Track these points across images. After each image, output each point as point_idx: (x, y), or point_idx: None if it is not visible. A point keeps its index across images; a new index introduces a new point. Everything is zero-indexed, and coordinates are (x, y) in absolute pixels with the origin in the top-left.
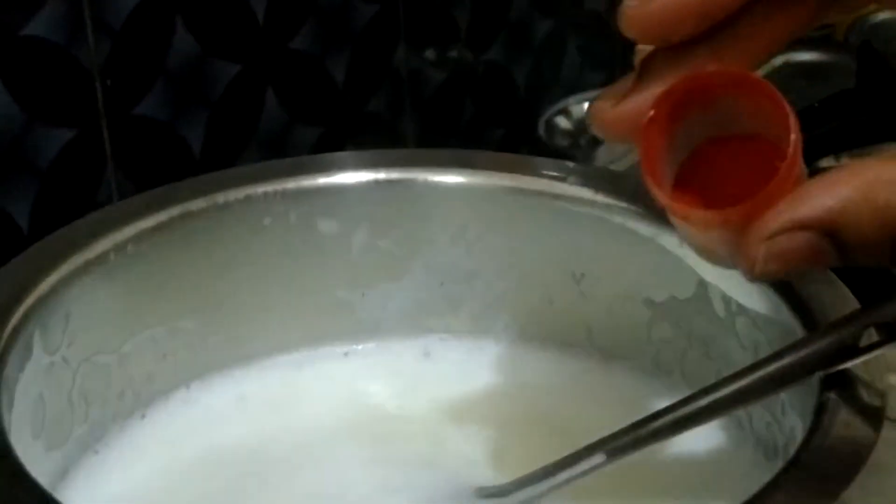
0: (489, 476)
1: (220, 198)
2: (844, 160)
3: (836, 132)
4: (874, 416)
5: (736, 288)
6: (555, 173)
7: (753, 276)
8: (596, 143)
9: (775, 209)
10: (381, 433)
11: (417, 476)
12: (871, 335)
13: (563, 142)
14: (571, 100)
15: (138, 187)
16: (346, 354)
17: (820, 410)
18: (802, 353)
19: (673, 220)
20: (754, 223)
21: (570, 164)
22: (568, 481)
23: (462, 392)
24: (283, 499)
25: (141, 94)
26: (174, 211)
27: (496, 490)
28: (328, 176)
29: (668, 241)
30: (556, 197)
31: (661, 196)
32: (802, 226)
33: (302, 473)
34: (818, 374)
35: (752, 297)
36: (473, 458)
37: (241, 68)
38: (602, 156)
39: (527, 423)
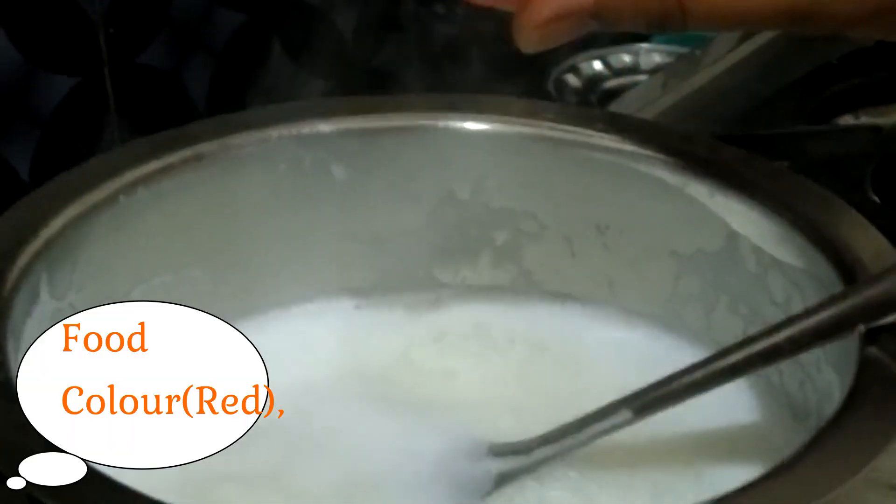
0: (504, 434)
1: (234, 140)
2: (863, 118)
3: (854, 89)
4: None
5: (769, 240)
6: (578, 120)
7: (528, 51)
8: (606, 101)
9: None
10: (394, 388)
11: (430, 433)
12: None
13: (572, 99)
14: (581, 57)
15: (141, 136)
16: (358, 307)
17: (862, 367)
18: (842, 306)
19: None
20: (526, 10)
21: (596, 111)
22: (591, 439)
23: (478, 346)
24: (293, 451)
25: (145, 43)
26: (186, 153)
27: (513, 447)
28: (345, 120)
29: (697, 191)
30: (581, 145)
31: None
32: (570, 14)
33: (312, 428)
34: (859, 329)
35: (786, 251)
36: (488, 414)
37: (247, 18)
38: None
39: (546, 379)
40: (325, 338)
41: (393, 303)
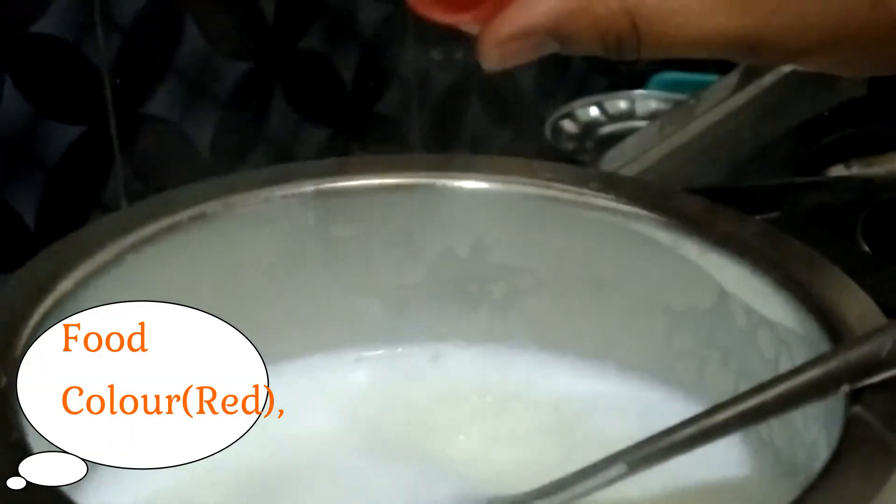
0: (502, 487)
1: (238, 200)
2: (854, 168)
3: (846, 140)
4: None
5: (758, 299)
6: (574, 180)
7: (490, 68)
8: (602, 146)
9: (505, 16)
10: (393, 441)
11: (428, 486)
12: None
13: (569, 145)
14: (577, 103)
15: (146, 185)
16: (357, 360)
17: (848, 425)
18: (829, 366)
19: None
20: (488, 27)
21: (591, 171)
22: (586, 493)
23: (475, 401)
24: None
25: (149, 93)
26: (191, 212)
27: (510, 501)
28: (347, 180)
29: (689, 249)
30: (576, 204)
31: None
32: (529, 33)
33: (310, 481)
34: (844, 389)
35: (775, 309)
36: (486, 468)
37: (249, 67)
38: (610, 159)
39: (541, 433)
40: (326, 391)
41: (393, 357)
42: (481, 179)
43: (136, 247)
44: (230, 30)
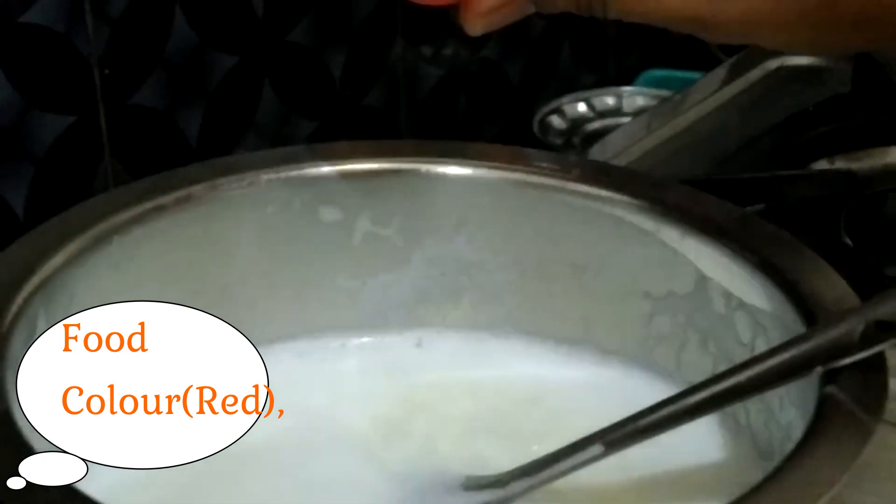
0: (479, 468)
1: (223, 183)
2: (838, 162)
3: (830, 135)
4: (874, 413)
5: (736, 283)
6: (557, 166)
7: (473, 34)
8: (589, 142)
9: None
10: (374, 424)
11: (407, 467)
12: (872, 332)
13: (556, 140)
14: (565, 99)
15: (134, 176)
16: (343, 345)
17: (820, 406)
18: (803, 347)
19: None
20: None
21: (572, 158)
22: (564, 473)
23: (456, 384)
24: (272, 487)
25: (139, 84)
26: (178, 195)
27: (487, 481)
28: (332, 164)
29: (669, 235)
30: (558, 190)
31: None
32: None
33: (292, 463)
34: (818, 370)
35: (753, 293)
36: (467, 451)
37: (238, 60)
38: (596, 153)
39: (522, 417)
40: (308, 375)
41: (376, 342)
42: (465, 165)
43: (121, 228)
44: (219, 22)
